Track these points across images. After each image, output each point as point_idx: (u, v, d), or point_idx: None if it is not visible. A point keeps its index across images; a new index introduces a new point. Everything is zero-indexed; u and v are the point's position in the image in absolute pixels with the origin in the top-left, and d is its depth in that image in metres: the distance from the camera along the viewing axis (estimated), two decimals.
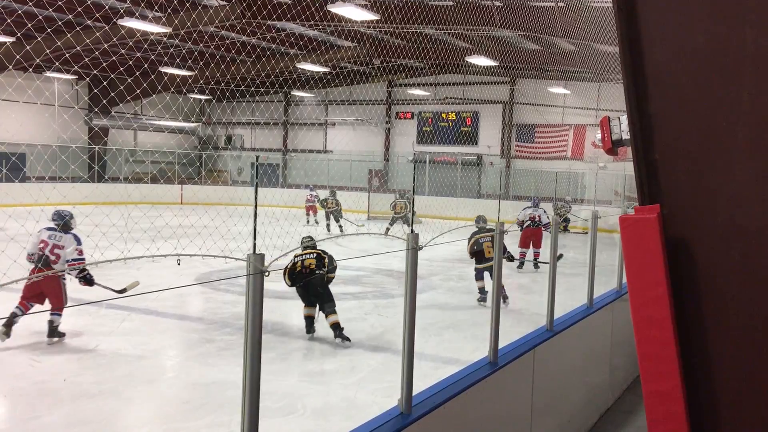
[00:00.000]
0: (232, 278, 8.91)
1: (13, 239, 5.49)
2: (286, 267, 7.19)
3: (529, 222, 13.07)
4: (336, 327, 7.15)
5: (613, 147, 2.46)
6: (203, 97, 33.09)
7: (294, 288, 7.35)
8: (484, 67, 21.95)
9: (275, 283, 10.04)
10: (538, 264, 12.91)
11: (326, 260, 7.23)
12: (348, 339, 7.12)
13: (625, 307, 6.18)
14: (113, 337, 7.11)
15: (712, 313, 2.19)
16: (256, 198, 2.42)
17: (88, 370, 6.05)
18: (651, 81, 2.19)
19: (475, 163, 27.87)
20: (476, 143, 28.22)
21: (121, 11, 15.57)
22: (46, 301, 6.94)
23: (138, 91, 24.33)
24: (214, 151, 33.75)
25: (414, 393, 3.12)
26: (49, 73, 24.48)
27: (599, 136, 2.50)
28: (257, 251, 2.20)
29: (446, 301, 9.65)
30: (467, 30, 17.53)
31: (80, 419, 4.94)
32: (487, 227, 9.48)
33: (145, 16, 16.00)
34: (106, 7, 15.32)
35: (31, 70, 22.69)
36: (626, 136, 2.35)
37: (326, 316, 7.22)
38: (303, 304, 7.45)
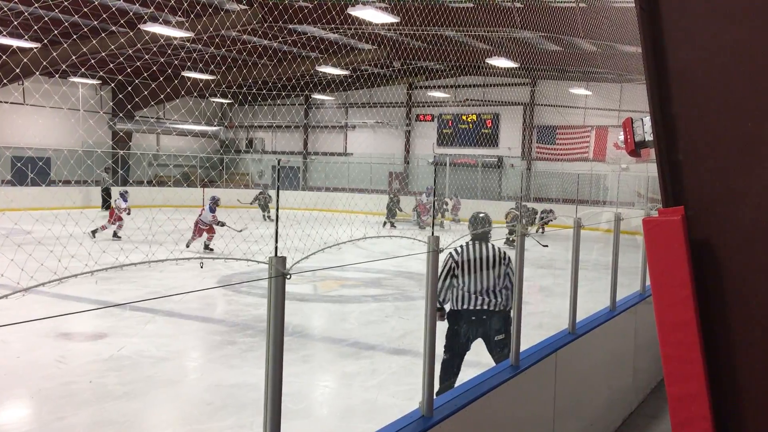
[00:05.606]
0: (254, 281, 8.97)
1: (40, 243, 5.60)
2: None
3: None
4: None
5: (636, 148, 2.44)
6: (225, 101, 33.39)
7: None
8: (504, 68, 21.85)
9: (297, 286, 10.14)
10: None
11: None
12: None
13: (648, 309, 6.11)
14: (137, 338, 7.20)
15: (737, 316, 2.16)
16: (278, 201, 2.44)
17: (112, 371, 6.13)
18: (674, 81, 2.17)
19: (496, 165, 27.74)
20: (497, 145, 28.10)
21: (145, 17, 15.78)
22: None
23: (162, 95, 24.64)
24: (235, 155, 34.01)
25: (435, 396, 3.12)
26: (74, 79, 24.86)
27: (622, 137, 2.48)
28: (279, 254, 2.21)
29: None
30: (487, 32, 17.47)
31: (105, 420, 5.00)
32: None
33: (168, 22, 16.20)
34: (131, 12, 15.54)
35: (57, 75, 23.09)
36: (649, 137, 2.33)
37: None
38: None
